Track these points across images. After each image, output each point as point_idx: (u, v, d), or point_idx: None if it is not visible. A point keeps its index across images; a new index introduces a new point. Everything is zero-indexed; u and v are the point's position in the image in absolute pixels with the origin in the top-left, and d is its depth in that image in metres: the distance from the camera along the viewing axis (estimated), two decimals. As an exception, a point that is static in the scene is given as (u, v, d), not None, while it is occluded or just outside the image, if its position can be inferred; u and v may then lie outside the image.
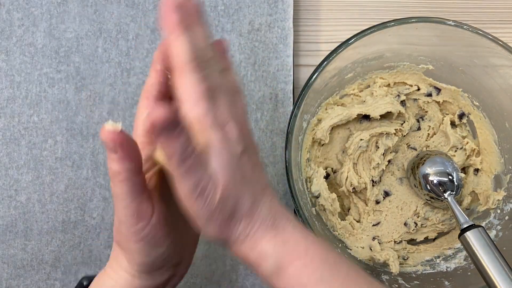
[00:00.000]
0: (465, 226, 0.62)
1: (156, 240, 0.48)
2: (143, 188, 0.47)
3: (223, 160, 0.45)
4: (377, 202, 0.70)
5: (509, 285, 0.57)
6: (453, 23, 0.62)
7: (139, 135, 0.51)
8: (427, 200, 0.69)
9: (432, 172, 0.67)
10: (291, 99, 0.71)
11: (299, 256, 0.47)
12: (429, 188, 0.67)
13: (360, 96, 0.71)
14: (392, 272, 0.67)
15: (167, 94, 0.50)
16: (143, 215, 0.47)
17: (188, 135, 0.43)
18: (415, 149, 0.71)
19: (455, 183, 0.67)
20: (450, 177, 0.67)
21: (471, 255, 0.60)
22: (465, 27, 0.62)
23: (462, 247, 0.68)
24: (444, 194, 0.66)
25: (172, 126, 0.41)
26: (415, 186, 0.69)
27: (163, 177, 0.50)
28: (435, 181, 0.67)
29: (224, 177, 0.45)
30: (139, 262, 0.49)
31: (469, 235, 0.60)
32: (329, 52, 0.63)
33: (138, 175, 0.46)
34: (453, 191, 0.66)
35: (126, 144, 0.44)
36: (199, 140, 0.44)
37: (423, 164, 0.68)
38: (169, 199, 0.49)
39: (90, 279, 0.55)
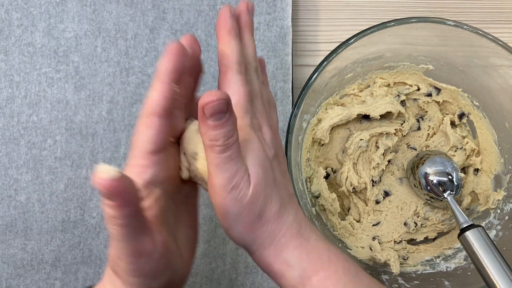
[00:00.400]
0: (464, 226, 0.62)
1: (157, 272, 0.44)
2: (142, 227, 0.42)
3: (258, 159, 0.46)
4: (377, 202, 0.70)
5: (508, 285, 0.56)
6: (453, 23, 0.62)
7: (138, 156, 0.45)
8: (427, 200, 0.69)
9: (432, 172, 0.67)
10: (290, 98, 0.71)
11: (323, 267, 0.47)
12: (429, 188, 0.67)
13: (360, 96, 0.71)
14: (392, 272, 0.67)
15: (173, 112, 0.46)
16: (143, 253, 0.42)
17: (234, 125, 0.44)
18: (415, 149, 0.71)
19: (455, 183, 0.67)
20: (449, 177, 0.67)
21: (471, 255, 0.60)
22: (465, 27, 0.62)
23: (462, 247, 0.68)
24: (444, 194, 0.66)
25: (222, 111, 0.42)
26: (415, 186, 0.69)
27: (163, 203, 0.46)
28: (435, 181, 0.67)
29: (257, 175, 0.46)
30: (130, 283, 0.44)
31: (468, 235, 0.60)
32: (328, 52, 0.63)
33: (137, 217, 0.41)
34: (452, 191, 0.66)
35: (124, 192, 0.38)
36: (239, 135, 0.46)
37: (423, 164, 0.68)
38: (168, 224, 0.46)
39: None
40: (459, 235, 0.62)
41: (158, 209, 0.45)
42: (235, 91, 0.48)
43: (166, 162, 0.46)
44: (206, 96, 0.42)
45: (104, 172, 0.37)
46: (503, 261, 0.58)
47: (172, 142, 0.47)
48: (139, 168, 0.45)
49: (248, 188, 0.45)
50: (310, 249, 0.47)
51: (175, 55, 0.46)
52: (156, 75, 0.46)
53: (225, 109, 0.42)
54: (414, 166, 0.69)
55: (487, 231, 0.63)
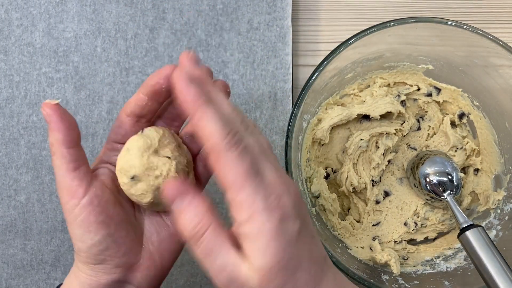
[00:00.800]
0: (464, 225, 0.62)
1: (87, 224, 0.48)
2: (77, 165, 0.48)
3: (274, 252, 0.41)
4: (377, 202, 0.70)
5: (508, 285, 0.56)
6: (453, 23, 0.62)
7: (117, 118, 0.53)
8: (427, 200, 0.69)
9: (431, 172, 0.67)
10: (290, 98, 0.71)
11: None
12: (428, 188, 0.67)
13: (360, 96, 0.71)
14: (392, 272, 0.67)
15: (148, 116, 0.52)
16: (74, 193, 0.48)
17: (201, 210, 0.42)
18: (415, 149, 0.71)
19: (455, 183, 0.66)
20: (449, 177, 0.67)
21: (471, 255, 0.60)
22: (465, 27, 0.62)
23: (462, 247, 0.68)
24: (444, 194, 0.66)
25: (180, 198, 0.43)
26: (415, 186, 0.69)
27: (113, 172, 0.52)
28: (434, 181, 0.67)
29: (271, 275, 0.41)
30: (77, 249, 0.49)
31: (468, 235, 0.60)
32: (328, 52, 0.63)
33: (69, 148, 0.48)
34: (452, 191, 0.66)
35: (60, 115, 0.47)
36: (249, 227, 0.41)
37: (423, 164, 0.68)
38: (114, 197, 0.51)
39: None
40: (459, 235, 0.62)
41: (106, 173, 0.52)
42: (234, 175, 0.41)
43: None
44: (165, 185, 0.43)
45: (49, 100, 0.47)
46: (503, 261, 0.58)
47: None
48: (113, 129, 0.53)
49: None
50: None
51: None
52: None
53: (184, 194, 0.43)
54: (414, 166, 0.69)
55: (487, 231, 0.63)
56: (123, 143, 0.51)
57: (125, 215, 0.51)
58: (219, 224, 0.43)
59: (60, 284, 0.54)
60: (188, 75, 0.43)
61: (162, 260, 0.53)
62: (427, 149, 0.71)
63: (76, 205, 0.48)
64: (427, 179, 0.67)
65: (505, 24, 0.75)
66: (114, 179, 0.51)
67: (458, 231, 0.62)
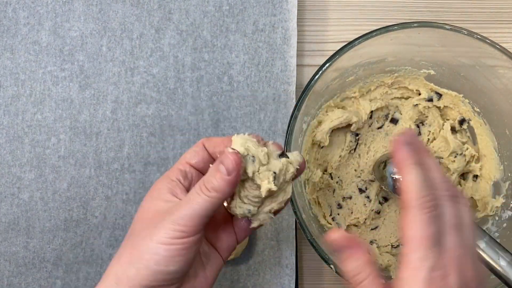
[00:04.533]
0: None
1: (177, 256, 0.47)
2: (211, 214, 0.48)
3: None
4: (377, 212, 0.71)
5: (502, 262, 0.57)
6: (456, 29, 0.62)
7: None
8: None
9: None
10: (294, 100, 0.71)
11: None
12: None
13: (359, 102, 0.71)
14: (389, 276, 0.67)
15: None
16: (190, 230, 0.47)
17: (362, 262, 0.46)
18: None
19: None
20: None
21: None
22: (467, 32, 0.62)
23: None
24: None
25: (338, 249, 0.46)
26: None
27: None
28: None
29: None
30: (145, 266, 0.47)
31: None
32: (333, 52, 0.63)
33: (221, 201, 0.48)
34: None
35: (239, 172, 0.47)
36: (405, 283, 0.43)
37: (388, 165, 0.68)
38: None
39: None
40: None
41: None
42: (416, 235, 0.43)
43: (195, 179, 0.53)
44: (332, 232, 0.47)
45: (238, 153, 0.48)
46: (494, 243, 0.59)
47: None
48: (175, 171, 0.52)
49: None
50: None
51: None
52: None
53: (339, 247, 0.47)
54: (381, 168, 0.69)
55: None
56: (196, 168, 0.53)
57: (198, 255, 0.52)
58: (377, 276, 0.46)
59: None
60: (405, 140, 0.47)
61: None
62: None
63: (183, 237, 0.47)
64: (397, 182, 0.67)
65: (506, 25, 0.76)
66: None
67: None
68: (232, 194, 0.50)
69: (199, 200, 0.47)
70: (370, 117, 0.71)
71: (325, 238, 0.46)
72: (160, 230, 0.47)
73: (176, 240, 0.46)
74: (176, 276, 0.48)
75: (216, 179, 0.47)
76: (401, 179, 0.46)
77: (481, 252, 0.59)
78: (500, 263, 0.58)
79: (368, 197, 0.71)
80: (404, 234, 0.44)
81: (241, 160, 0.47)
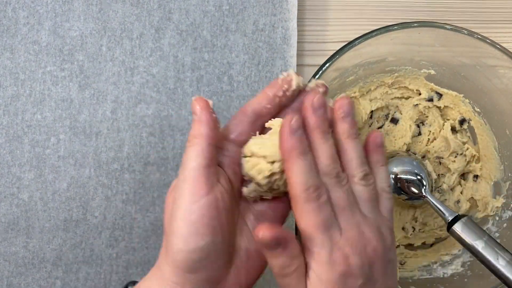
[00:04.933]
0: (450, 219, 0.62)
1: (198, 226, 0.46)
2: (209, 163, 0.47)
3: None
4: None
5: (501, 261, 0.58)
6: (456, 29, 0.62)
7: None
8: (405, 200, 0.69)
9: (400, 172, 0.67)
10: (294, 100, 0.71)
11: None
12: (401, 189, 0.67)
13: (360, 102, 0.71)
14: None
15: (260, 115, 0.51)
16: (198, 189, 0.46)
17: (292, 255, 0.45)
18: (415, 154, 0.72)
19: (424, 183, 0.67)
20: (418, 177, 0.67)
21: (464, 245, 0.61)
22: (467, 32, 0.62)
23: (459, 253, 0.69)
24: (422, 192, 0.66)
25: (275, 244, 0.44)
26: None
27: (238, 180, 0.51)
28: (405, 182, 0.67)
29: None
30: (176, 249, 0.47)
31: (456, 227, 0.61)
32: (334, 52, 0.63)
33: (209, 145, 0.47)
34: (426, 188, 0.66)
35: (210, 112, 0.48)
36: (312, 272, 0.45)
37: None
38: (229, 201, 0.49)
39: (135, 283, 0.55)
40: (448, 229, 0.62)
41: (223, 180, 0.49)
42: (306, 225, 0.45)
43: (235, 157, 0.51)
44: (259, 230, 0.44)
45: (204, 98, 0.49)
46: (494, 243, 0.59)
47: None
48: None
49: None
50: None
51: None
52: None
53: (277, 242, 0.44)
54: None
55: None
56: (235, 142, 0.51)
57: (232, 225, 0.50)
58: (304, 266, 0.46)
59: (134, 282, 0.55)
60: (297, 123, 0.46)
61: (247, 277, 0.51)
62: (410, 152, 0.72)
63: (195, 202, 0.46)
64: (397, 182, 0.67)
65: (506, 24, 0.76)
66: (228, 184, 0.50)
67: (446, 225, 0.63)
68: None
69: (188, 155, 0.47)
70: (370, 117, 0.71)
71: (254, 238, 0.45)
72: (177, 207, 0.47)
73: (192, 205, 0.47)
74: (208, 251, 0.47)
75: (192, 127, 0.48)
76: (286, 170, 0.47)
77: (480, 252, 0.59)
78: (500, 263, 0.58)
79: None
80: (298, 227, 0.46)
81: (207, 102, 0.48)
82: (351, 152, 0.50)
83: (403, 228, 0.71)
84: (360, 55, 0.66)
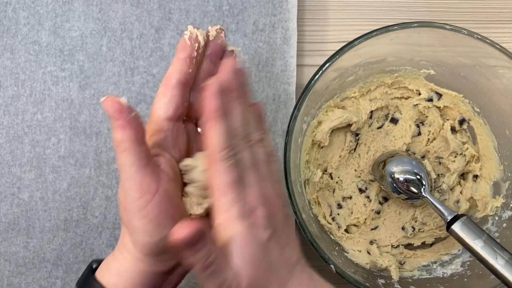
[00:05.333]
0: (449, 218, 0.62)
1: (159, 219, 0.48)
2: (147, 161, 0.48)
3: (248, 252, 0.46)
4: (377, 212, 0.71)
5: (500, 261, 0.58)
6: (456, 29, 0.62)
7: (154, 121, 0.52)
8: (404, 200, 0.70)
9: (399, 172, 0.67)
10: (294, 100, 0.71)
11: None
12: (399, 189, 0.68)
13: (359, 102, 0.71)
14: (388, 276, 0.67)
15: (186, 83, 0.53)
16: (147, 189, 0.48)
17: (211, 243, 0.45)
18: (414, 154, 0.72)
19: (423, 182, 0.67)
20: (418, 176, 0.67)
21: (463, 245, 0.61)
22: (467, 32, 0.62)
23: (459, 253, 0.69)
24: (421, 192, 0.66)
25: (193, 242, 0.43)
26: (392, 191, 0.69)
27: (170, 164, 0.52)
28: (402, 180, 0.67)
29: (249, 272, 0.45)
30: (143, 243, 0.49)
31: (455, 227, 0.61)
32: (333, 52, 0.63)
33: (140, 145, 0.48)
34: (425, 188, 0.67)
35: (127, 112, 0.47)
36: (224, 231, 0.46)
37: (388, 164, 0.69)
38: (176, 185, 0.51)
39: (99, 262, 0.56)
40: (447, 228, 0.63)
41: (166, 164, 0.51)
42: (220, 182, 0.46)
43: (177, 132, 0.53)
44: (174, 234, 0.43)
45: (114, 97, 0.47)
46: (493, 242, 0.60)
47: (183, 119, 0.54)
48: (152, 132, 0.52)
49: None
50: None
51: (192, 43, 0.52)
52: (176, 52, 0.53)
53: (195, 241, 0.43)
54: (380, 168, 0.70)
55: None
56: (173, 119, 0.53)
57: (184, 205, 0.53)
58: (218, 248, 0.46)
59: (95, 264, 0.56)
60: (219, 86, 0.47)
61: None
62: (409, 151, 0.72)
63: (149, 201, 0.48)
64: (397, 181, 0.67)
65: (506, 25, 0.76)
66: (173, 167, 0.52)
67: (446, 225, 0.63)
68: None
69: (123, 160, 0.48)
70: (370, 117, 0.71)
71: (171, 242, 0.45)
72: (133, 209, 0.49)
73: (147, 205, 0.48)
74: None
75: (114, 132, 0.48)
76: (205, 129, 0.47)
77: (479, 251, 0.59)
78: (499, 262, 0.58)
79: (368, 197, 0.71)
80: (211, 186, 0.47)
81: (120, 103, 0.47)
82: (250, 117, 0.51)
83: (402, 228, 0.71)
84: (360, 55, 0.66)
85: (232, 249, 0.45)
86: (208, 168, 0.48)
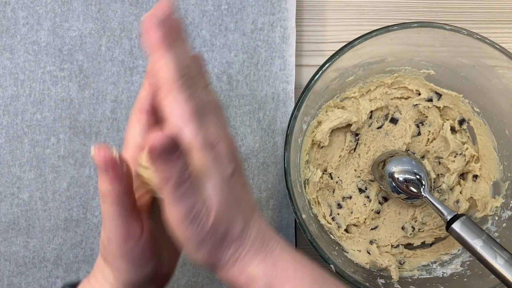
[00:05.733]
0: (449, 218, 0.62)
1: (144, 259, 0.48)
2: (133, 209, 0.47)
3: (216, 182, 0.44)
4: (377, 212, 0.71)
5: (500, 261, 0.58)
6: (456, 29, 0.62)
7: (130, 149, 0.50)
8: (403, 200, 0.70)
9: (398, 171, 0.67)
10: (293, 99, 0.72)
11: (289, 278, 0.46)
12: (398, 188, 0.68)
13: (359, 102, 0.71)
14: (388, 276, 0.67)
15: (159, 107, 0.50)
16: (132, 236, 0.47)
17: (186, 159, 0.42)
18: (414, 154, 0.72)
19: (423, 182, 0.67)
20: (417, 176, 0.67)
21: (463, 245, 0.61)
22: (467, 32, 0.62)
23: (459, 252, 0.69)
24: (421, 192, 0.66)
25: (170, 150, 0.41)
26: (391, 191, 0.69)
27: (153, 195, 0.50)
28: (403, 181, 0.67)
29: (218, 201, 0.44)
30: (126, 279, 0.49)
31: (455, 227, 0.61)
32: (333, 52, 0.63)
33: (128, 196, 0.46)
34: (425, 187, 0.67)
35: (118, 166, 0.44)
36: (191, 162, 0.44)
37: (386, 164, 0.69)
38: (156, 217, 0.49)
39: (72, 286, 0.55)
40: (447, 228, 0.63)
41: (147, 199, 0.50)
42: (180, 112, 0.44)
43: None
44: (150, 137, 0.41)
45: (106, 148, 0.44)
46: (491, 241, 0.60)
47: None
48: (131, 159, 0.48)
49: (209, 217, 0.44)
50: (275, 261, 0.46)
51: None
52: (145, 75, 0.51)
53: (172, 147, 0.41)
54: (380, 168, 0.70)
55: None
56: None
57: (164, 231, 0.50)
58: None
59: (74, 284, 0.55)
60: (160, 18, 0.44)
61: (171, 270, 0.53)
62: (409, 151, 0.72)
63: (134, 247, 0.47)
64: (396, 181, 0.67)
65: (506, 25, 0.75)
66: (154, 199, 0.50)
67: (445, 225, 0.63)
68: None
69: (106, 210, 0.46)
70: (370, 117, 0.71)
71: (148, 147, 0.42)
72: (118, 252, 0.48)
73: (133, 249, 0.47)
74: (155, 270, 0.49)
75: (100, 182, 0.46)
76: (153, 61, 0.45)
77: (478, 250, 0.59)
78: (498, 262, 0.58)
79: (368, 197, 0.71)
80: (168, 116, 0.44)
81: (110, 153, 0.44)
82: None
83: (402, 228, 0.71)
84: (359, 55, 0.66)
85: (201, 177, 0.44)
86: (161, 101, 0.45)
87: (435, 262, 0.70)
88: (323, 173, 0.70)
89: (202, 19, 0.71)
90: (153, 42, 0.44)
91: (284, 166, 0.62)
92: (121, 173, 0.45)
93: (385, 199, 0.71)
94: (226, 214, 0.45)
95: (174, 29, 0.45)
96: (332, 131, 0.69)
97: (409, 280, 0.68)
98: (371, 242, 0.70)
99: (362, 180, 0.71)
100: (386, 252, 0.70)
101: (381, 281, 0.66)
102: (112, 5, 0.71)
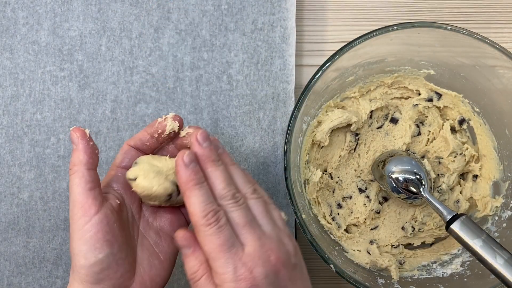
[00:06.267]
0: (449, 218, 0.62)
1: (94, 241, 0.51)
2: (93, 186, 0.52)
3: None
4: (377, 212, 0.71)
5: (499, 260, 0.58)
6: (456, 29, 0.62)
7: (112, 168, 0.58)
8: (403, 199, 0.70)
9: (398, 172, 0.67)
10: (293, 99, 0.71)
11: None
12: (398, 188, 0.67)
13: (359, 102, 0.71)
14: (388, 276, 0.67)
15: (140, 149, 0.58)
16: (87, 210, 0.51)
17: (199, 260, 0.50)
18: (414, 154, 0.72)
19: (423, 182, 0.67)
20: (417, 176, 0.67)
21: (462, 244, 0.61)
22: (467, 33, 0.62)
23: (459, 252, 0.69)
24: (421, 191, 0.66)
25: (186, 244, 0.51)
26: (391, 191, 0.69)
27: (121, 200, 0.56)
28: (403, 181, 0.67)
29: None
30: (79, 266, 0.51)
31: (454, 226, 0.61)
32: (333, 52, 0.63)
33: (89, 170, 0.52)
34: (425, 187, 0.67)
35: (87, 140, 0.53)
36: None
37: (385, 164, 0.68)
38: (119, 218, 0.54)
39: None
40: (446, 228, 0.63)
41: (112, 201, 0.55)
42: (210, 249, 0.49)
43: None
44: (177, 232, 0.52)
45: (80, 128, 0.53)
46: (491, 240, 0.60)
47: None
48: (110, 176, 0.57)
49: None
50: None
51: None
52: (149, 125, 0.58)
53: (187, 245, 0.51)
54: (379, 167, 0.70)
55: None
56: (126, 169, 0.57)
57: (127, 238, 0.55)
58: (211, 275, 0.50)
59: None
60: (190, 157, 0.51)
61: (152, 284, 0.56)
62: (408, 151, 0.72)
63: (87, 222, 0.51)
64: (396, 181, 0.67)
65: (506, 25, 0.75)
66: (121, 205, 0.55)
67: (445, 224, 0.63)
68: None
69: (72, 182, 0.52)
70: (370, 117, 0.71)
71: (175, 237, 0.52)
72: (73, 230, 0.52)
73: (85, 225, 0.51)
74: (108, 262, 0.51)
75: (72, 156, 0.53)
76: (185, 199, 0.51)
77: (478, 250, 0.59)
78: (498, 261, 0.58)
79: (368, 197, 0.71)
80: (203, 250, 0.50)
81: (84, 132, 0.53)
82: (235, 174, 0.54)
83: (402, 228, 0.71)
84: (359, 55, 0.66)
85: None
86: (197, 237, 0.50)
87: (435, 262, 0.70)
88: (323, 173, 0.70)
89: (202, 19, 0.71)
90: (182, 182, 0.51)
91: (284, 166, 0.62)
92: (87, 145, 0.52)
93: (385, 199, 0.71)
94: None
95: (208, 160, 0.52)
96: (332, 131, 0.69)
97: (409, 280, 0.68)
98: (371, 242, 0.70)
99: (362, 180, 0.71)
100: (386, 252, 0.70)
101: (381, 281, 0.66)
102: (112, 5, 0.71)
